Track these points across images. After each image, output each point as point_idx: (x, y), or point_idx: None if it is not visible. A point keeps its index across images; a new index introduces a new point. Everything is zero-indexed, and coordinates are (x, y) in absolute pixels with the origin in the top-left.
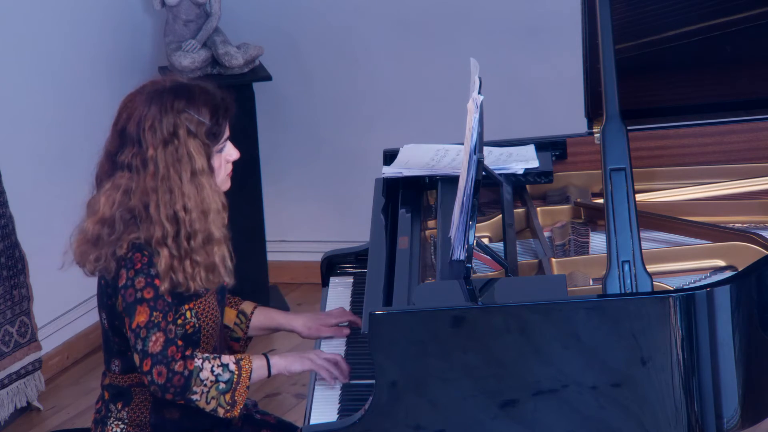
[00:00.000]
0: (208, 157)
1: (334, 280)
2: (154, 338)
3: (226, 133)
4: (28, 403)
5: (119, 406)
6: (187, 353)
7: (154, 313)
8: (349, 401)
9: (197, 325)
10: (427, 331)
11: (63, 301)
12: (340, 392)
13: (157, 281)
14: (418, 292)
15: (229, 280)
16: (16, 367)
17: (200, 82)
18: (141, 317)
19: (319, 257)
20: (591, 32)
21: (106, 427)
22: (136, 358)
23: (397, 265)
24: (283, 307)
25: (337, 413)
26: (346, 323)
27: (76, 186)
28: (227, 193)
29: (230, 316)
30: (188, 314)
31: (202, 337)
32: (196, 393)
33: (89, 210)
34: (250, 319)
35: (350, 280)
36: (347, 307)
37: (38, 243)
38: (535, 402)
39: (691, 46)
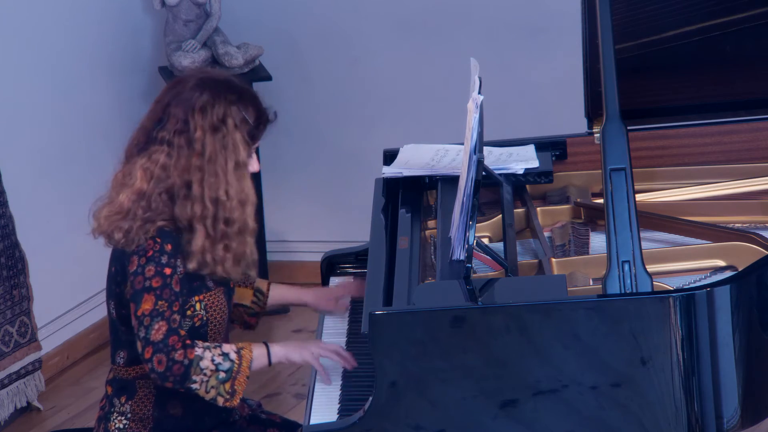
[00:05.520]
0: (248, 154)
1: (334, 280)
2: (156, 326)
3: (258, 143)
4: (28, 403)
5: (123, 399)
6: (188, 342)
7: (159, 302)
8: (349, 401)
9: (205, 318)
10: (427, 331)
11: (63, 301)
12: (340, 392)
13: (167, 270)
14: (418, 292)
15: (252, 271)
16: (16, 367)
17: (248, 86)
18: (146, 305)
19: (319, 257)
20: (591, 32)
21: (109, 423)
22: (139, 345)
23: (397, 265)
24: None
25: (337, 413)
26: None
27: (76, 186)
28: None
29: (247, 295)
30: (197, 306)
31: (209, 332)
32: (195, 382)
33: (116, 183)
34: (267, 296)
35: (350, 280)
36: (347, 308)
37: (38, 243)
38: (535, 402)
39: (691, 46)
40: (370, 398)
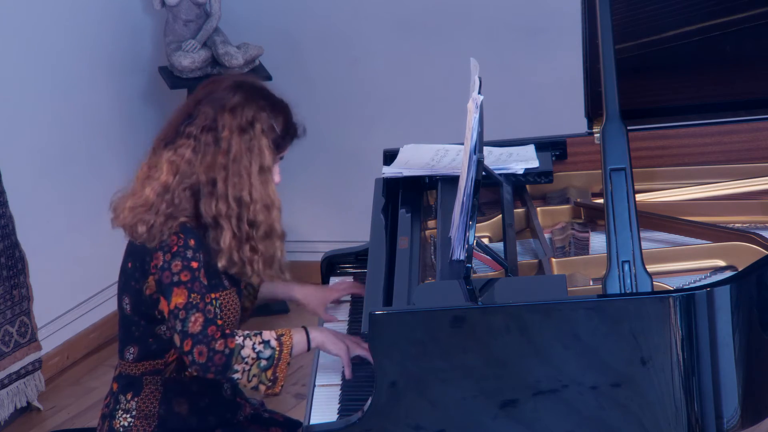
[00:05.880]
0: (272, 161)
1: (334, 280)
2: (193, 319)
3: (284, 154)
4: (28, 403)
5: (129, 396)
6: (227, 332)
7: (192, 295)
8: (349, 401)
9: (219, 317)
10: (427, 331)
11: (63, 301)
12: (340, 392)
13: (193, 264)
14: (418, 292)
15: (285, 276)
16: (16, 367)
17: (283, 99)
18: (179, 299)
19: (319, 257)
20: (591, 32)
21: (114, 420)
22: (176, 338)
23: (397, 265)
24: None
25: (337, 413)
26: (348, 298)
27: (76, 186)
28: None
29: None
30: (213, 303)
31: None
32: (237, 371)
33: (142, 175)
34: (258, 290)
35: (350, 280)
36: (348, 308)
37: (38, 243)
38: (535, 402)
39: (691, 46)
40: (370, 398)
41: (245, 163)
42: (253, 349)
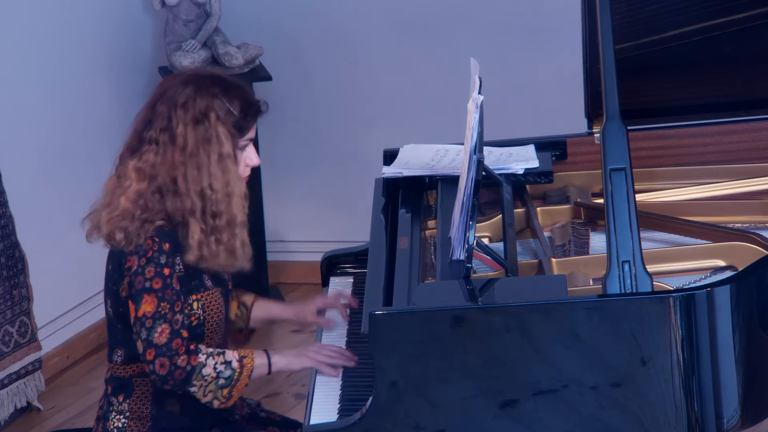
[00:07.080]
0: (234, 147)
1: (334, 280)
2: (159, 329)
3: (251, 134)
4: (28, 403)
5: (120, 398)
6: (192, 347)
7: (162, 304)
8: (349, 401)
9: (202, 318)
10: (427, 331)
11: (63, 301)
12: (340, 392)
13: (166, 270)
14: (418, 292)
15: (247, 264)
16: (16, 367)
17: (239, 80)
18: (148, 307)
19: (319, 257)
20: (591, 32)
21: (108, 422)
22: (140, 345)
23: (397, 265)
24: (270, 322)
25: (337, 413)
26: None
27: (76, 186)
28: None
29: (232, 308)
30: (195, 305)
31: (206, 331)
32: (194, 386)
33: (111, 187)
34: (251, 311)
35: (350, 280)
36: (347, 308)
37: (38, 243)
38: (535, 402)
39: (691, 46)
40: (370, 398)
41: (202, 155)
42: (215, 368)
